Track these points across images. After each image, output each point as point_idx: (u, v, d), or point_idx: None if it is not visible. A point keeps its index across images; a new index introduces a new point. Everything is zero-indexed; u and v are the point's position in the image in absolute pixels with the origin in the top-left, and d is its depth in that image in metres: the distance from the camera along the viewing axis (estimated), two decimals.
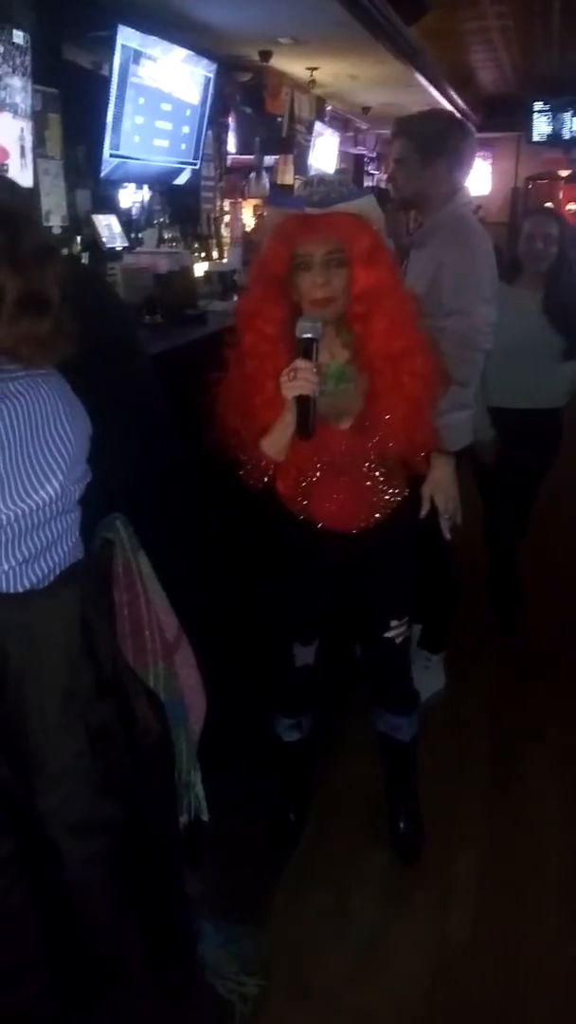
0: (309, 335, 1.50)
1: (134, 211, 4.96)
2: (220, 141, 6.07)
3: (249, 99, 6.26)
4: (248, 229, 5.79)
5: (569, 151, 10.41)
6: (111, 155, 4.33)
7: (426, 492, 1.79)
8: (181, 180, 5.33)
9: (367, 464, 1.68)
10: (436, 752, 2.28)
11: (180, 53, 4.75)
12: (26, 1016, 1.31)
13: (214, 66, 5.20)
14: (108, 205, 4.58)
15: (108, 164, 4.34)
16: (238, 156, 6.37)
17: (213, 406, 1.61)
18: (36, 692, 1.16)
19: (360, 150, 10.05)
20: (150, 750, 1.31)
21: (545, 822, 2.13)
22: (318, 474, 1.69)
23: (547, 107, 10.04)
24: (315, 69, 6.40)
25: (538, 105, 10.02)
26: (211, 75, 5.21)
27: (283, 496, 1.73)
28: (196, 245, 5.39)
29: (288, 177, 7.16)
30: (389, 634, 1.84)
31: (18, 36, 3.49)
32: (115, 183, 4.67)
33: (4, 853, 1.20)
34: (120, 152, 4.41)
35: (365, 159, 10.23)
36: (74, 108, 4.09)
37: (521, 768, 2.34)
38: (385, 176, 8.83)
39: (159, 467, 1.56)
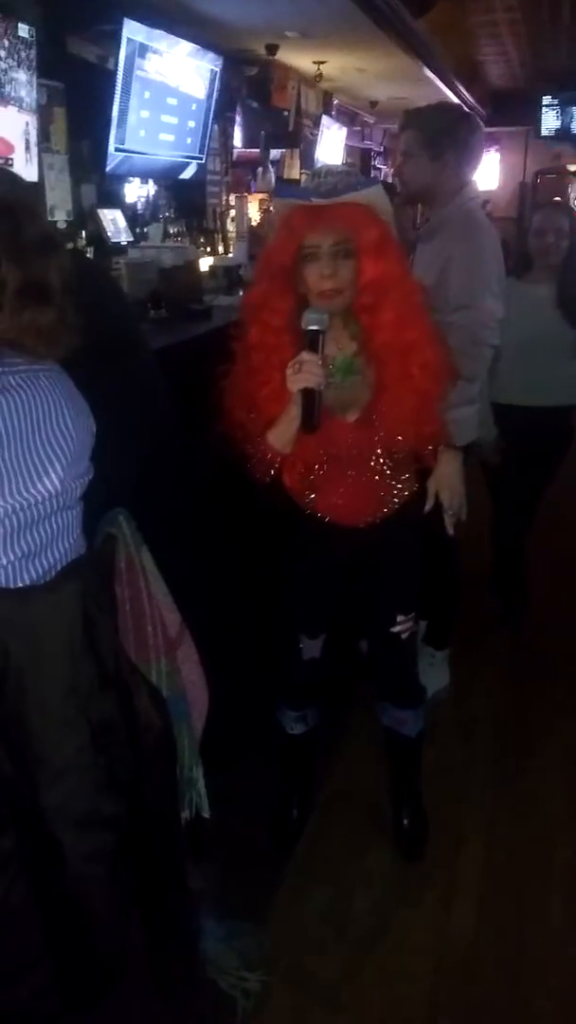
0: (315, 327, 1.49)
1: (139, 205, 4.95)
2: (226, 135, 6.05)
3: (255, 93, 6.23)
4: (254, 223, 5.77)
5: None
6: (116, 149, 4.32)
7: (431, 487, 1.78)
8: (187, 174, 5.32)
9: (374, 458, 1.67)
10: (440, 748, 2.27)
11: (186, 47, 4.74)
12: (28, 1013, 1.31)
13: (220, 60, 5.18)
14: (113, 199, 4.57)
15: (113, 158, 4.33)
16: (244, 150, 6.35)
17: (220, 399, 1.60)
18: (38, 687, 1.15)
19: (367, 144, 10.01)
20: (152, 746, 1.30)
21: (550, 820, 2.12)
22: (324, 467, 1.68)
23: (555, 101, 9.98)
24: (322, 63, 6.38)
25: (547, 99, 9.95)
26: (217, 69, 5.19)
27: (290, 489, 1.73)
28: (201, 239, 5.38)
29: (294, 171, 7.14)
30: (396, 629, 1.83)
31: (23, 29, 3.48)
32: (120, 177, 4.66)
33: (6, 849, 1.20)
34: (125, 146, 4.40)
35: (372, 153, 10.19)
36: (79, 102, 4.08)
37: (526, 765, 2.33)
38: (391, 170, 8.80)
39: (163, 463, 1.55)
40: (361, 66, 6.49)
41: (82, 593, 1.17)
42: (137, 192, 4.94)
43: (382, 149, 10.65)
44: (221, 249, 5.57)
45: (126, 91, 4.26)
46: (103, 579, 1.26)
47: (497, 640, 2.97)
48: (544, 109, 10.03)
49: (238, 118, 6.15)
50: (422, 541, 1.83)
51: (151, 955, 1.44)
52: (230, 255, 5.35)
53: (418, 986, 1.68)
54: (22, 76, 3.52)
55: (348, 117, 8.90)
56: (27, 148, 3.63)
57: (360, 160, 9.60)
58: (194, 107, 5.11)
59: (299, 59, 6.21)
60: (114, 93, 4.18)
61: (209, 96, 5.22)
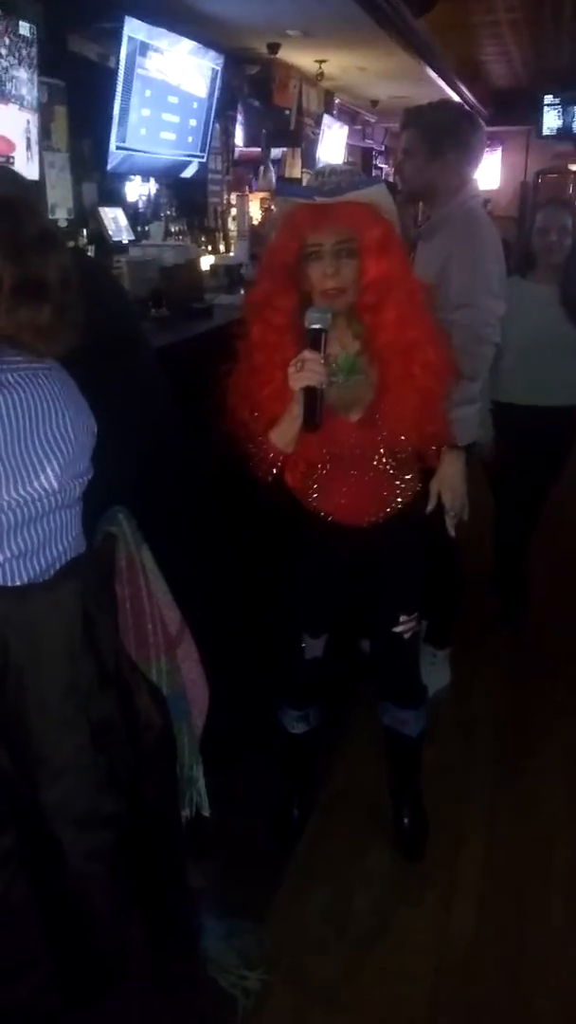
0: (318, 326, 1.49)
1: (140, 204, 4.94)
2: (227, 134, 6.05)
3: (257, 92, 6.23)
4: (255, 222, 5.77)
5: None
6: (117, 148, 4.32)
7: (434, 488, 1.78)
8: (188, 173, 5.31)
9: (377, 457, 1.67)
10: (441, 748, 2.27)
11: (187, 45, 4.73)
12: (28, 1011, 1.31)
13: (221, 58, 5.18)
14: (114, 198, 4.57)
15: (114, 157, 4.33)
16: (245, 149, 6.35)
17: (222, 398, 1.60)
18: (37, 686, 1.15)
19: (368, 143, 10.01)
20: (152, 744, 1.30)
21: (550, 819, 2.12)
22: (327, 467, 1.68)
23: (557, 100, 9.98)
24: (323, 62, 6.37)
25: (548, 98, 9.95)
26: (218, 67, 5.19)
27: (292, 489, 1.72)
28: (203, 238, 5.37)
29: (296, 170, 7.13)
30: (398, 629, 1.83)
31: (24, 27, 3.47)
32: (121, 176, 4.66)
33: (5, 847, 1.20)
34: (126, 145, 4.39)
35: (373, 152, 10.19)
36: (80, 100, 4.08)
37: (526, 765, 2.32)
38: (392, 169, 8.79)
39: (163, 461, 1.55)
40: (362, 65, 6.48)
41: (82, 592, 1.16)
42: (138, 191, 4.94)
43: (383, 148, 10.64)
44: (222, 248, 5.57)
45: (127, 89, 4.26)
46: (103, 578, 1.26)
47: (498, 640, 2.96)
48: (546, 108, 10.03)
49: (239, 117, 6.15)
50: (425, 541, 1.83)
51: (151, 953, 1.44)
52: (231, 254, 5.35)
53: (418, 986, 1.68)
54: (23, 74, 3.52)
55: (349, 116, 8.89)
56: (28, 146, 3.62)
57: (361, 159, 9.60)
58: (195, 106, 5.11)
59: (300, 58, 6.21)
60: (115, 91, 4.18)
61: (210, 95, 5.21)
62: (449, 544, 2.04)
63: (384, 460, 1.67)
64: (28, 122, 3.60)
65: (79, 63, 4.12)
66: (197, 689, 1.46)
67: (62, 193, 4.06)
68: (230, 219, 5.94)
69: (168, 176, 5.20)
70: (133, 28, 4.14)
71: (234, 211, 5.94)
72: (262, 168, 6.48)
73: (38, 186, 3.75)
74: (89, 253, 3.88)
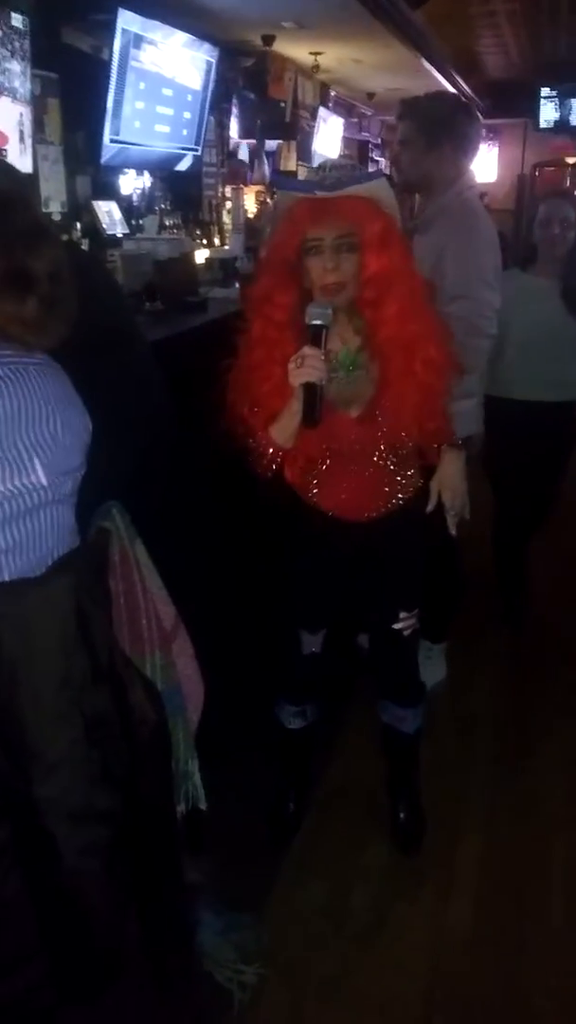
0: (319, 322, 1.47)
1: (135, 197, 4.92)
2: (222, 127, 6.02)
3: (252, 84, 6.20)
4: (250, 215, 5.75)
5: None
6: (111, 141, 4.30)
7: (434, 486, 1.77)
8: (182, 166, 5.29)
9: (377, 453, 1.66)
10: (439, 744, 2.27)
11: (181, 37, 4.71)
12: (24, 1006, 1.31)
13: (216, 51, 5.15)
14: (108, 191, 4.55)
15: (108, 150, 4.31)
16: (241, 141, 6.32)
17: (221, 393, 1.59)
18: (31, 680, 1.15)
19: (364, 136, 9.97)
20: (147, 739, 1.30)
21: (549, 818, 2.12)
22: (327, 462, 1.67)
23: (554, 93, 9.93)
24: (319, 54, 6.34)
25: (545, 91, 9.90)
26: (213, 60, 5.16)
27: (292, 484, 1.72)
28: (197, 232, 5.35)
29: (291, 163, 7.11)
30: (398, 626, 1.82)
31: (17, 19, 3.46)
32: (115, 169, 4.64)
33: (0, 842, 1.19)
34: (120, 138, 4.37)
35: (369, 145, 10.15)
36: (74, 93, 4.06)
37: (526, 763, 2.32)
38: (389, 162, 8.76)
39: (158, 455, 1.55)
40: (358, 57, 6.45)
41: (75, 586, 1.16)
42: (132, 184, 4.92)
43: (379, 141, 10.60)
44: (217, 241, 5.56)
45: (121, 82, 4.24)
46: (96, 572, 1.26)
47: (498, 638, 2.96)
48: (543, 101, 9.98)
49: (234, 109, 6.12)
50: (425, 538, 1.82)
51: (147, 948, 1.44)
52: (226, 247, 5.33)
53: (415, 982, 1.68)
54: (16, 66, 3.50)
55: (345, 109, 8.86)
56: (21, 139, 3.60)
57: (357, 152, 9.56)
58: (190, 98, 5.09)
59: (296, 50, 6.18)
60: (109, 84, 4.16)
61: (205, 87, 5.19)
62: (449, 540, 2.04)
63: (384, 456, 1.67)
64: (21, 115, 3.58)
65: (72, 55, 4.10)
66: (192, 684, 1.46)
67: (55, 186, 4.05)
68: (225, 212, 5.92)
69: (162, 169, 5.18)
70: (127, 20, 4.12)
71: (229, 204, 5.92)
72: (255, 159, 6.45)
73: (31, 179, 3.74)
74: (83, 247, 3.86)
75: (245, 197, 5.89)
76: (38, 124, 3.81)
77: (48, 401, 1.10)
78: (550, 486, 2.95)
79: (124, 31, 4.13)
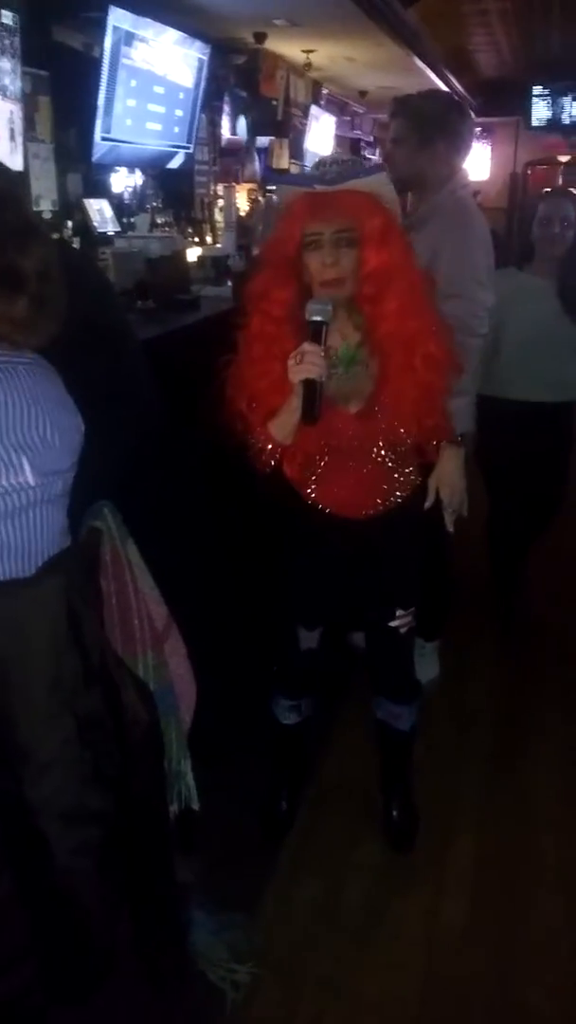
0: (318, 318, 1.47)
1: (126, 195, 4.91)
2: (214, 124, 6.01)
3: (243, 82, 6.19)
4: (242, 213, 5.74)
5: (569, 136, 10.32)
6: (103, 138, 4.28)
7: (432, 483, 1.77)
8: (174, 164, 5.28)
9: (376, 450, 1.66)
10: (433, 742, 2.27)
11: (173, 35, 4.69)
12: (16, 1006, 1.31)
13: (208, 48, 5.14)
14: (100, 189, 4.54)
15: (100, 148, 4.30)
16: (233, 138, 6.31)
17: (220, 389, 1.59)
18: (22, 681, 1.14)
19: (356, 134, 9.96)
20: (139, 739, 1.30)
21: (542, 815, 2.12)
22: (326, 459, 1.67)
23: (546, 91, 9.94)
24: (311, 52, 6.33)
25: (537, 89, 9.91)
26: (205, 57, 5.15)
27: (291, 480, 1.71)
28: (189, 229, 5.34)
29: (283, 161, 7.09)
30: (394, 623, 1.82)
31: (7, 16, 3.44)
32: (107, 167, 4.63)
33: None
34: (112, 135, 4.36)
35: (362, 143, 10.14)
36: (65, 91, 4.04)
37: (519, 759, 2.33)
38: (381, 160, 8.75)
39: (149, 454, 1.54)
40: (350, 55, 6.45)
41: (66, 587, 1.15)
42: (124, 182, 4.91)
43: (372, 139, 10.60)
44: (209, 239, 5.55)
45: (112, 80, 4.22)
46: (87, 573, 1.25)
47: (493, 636, 2.96)
48: (535, 99, 9.99)
49: (226, 107, 6.11)
50: (424, 536, 1.82)
51: (140, 948, 1.43)
52: (218, 245, 5.32)
53: (409, 980, 1.68)
54: (6, 64, 3.48)
55: (337, 107, 8.85)
56: (12, 137, 3.59)
57: (349, 150, 9.55)
58: (181, 96, 5.07)
59: (288, 48, 6.17)
60: (100, 81, 4.14)
61: (197, 85, 5.18)
62: (442, 537, 2.04)
63: (383, 453, 1.66)
64: (12, 112, 3.57)
65: (63, 53, 4.09)
66: (185, 684, 1.46)
67: (47, 184, 4.03)
68: (217, 210, 5.91)
69: (154, 167, 5.17)
70: (117, 18, 4.10)
71: (221, 202, 5.91)
72: (245, 155, 6.44)
73: (22, 177, 3.72)
74: (74, 245, 3.85)
75: (237, 195, 5.88)
76: (29, 122, 3.79)
77: (37, 401, 1.10)
78: (552, 487, 2.92)
79: (115, 28, 4.11)
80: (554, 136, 10.40)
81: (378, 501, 1.72)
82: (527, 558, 3.07)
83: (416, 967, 1.71)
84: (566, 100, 9.95)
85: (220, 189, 6.01)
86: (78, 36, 4.22)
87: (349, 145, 9.55)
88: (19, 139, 3.64)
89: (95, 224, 4.16)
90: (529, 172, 10.76)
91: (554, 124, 10.13)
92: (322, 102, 8.10)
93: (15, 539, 1.09)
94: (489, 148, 11.12)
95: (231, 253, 4.62)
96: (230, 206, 5.55)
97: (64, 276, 1.12)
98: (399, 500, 1.73)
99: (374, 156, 10.30)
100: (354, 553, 1.78)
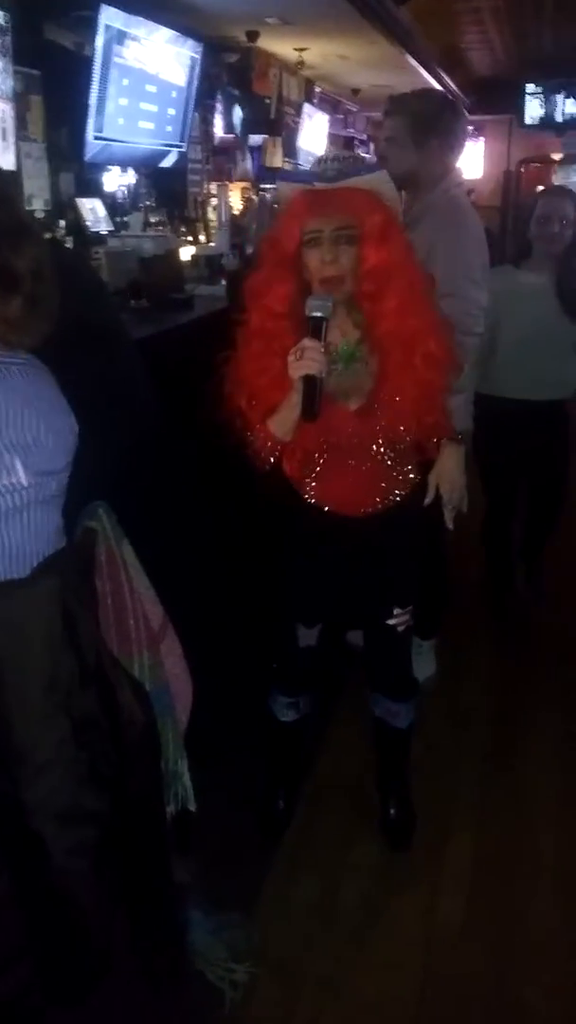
0: (318, 314, 1.47)
1: (119, 194, 4.90)
2: (207, 123, 6.00)
3: (236, 80, 6.18)
4: (235, 212, 5.73)
5: (562, 134, 10.34)
6: (95, 138, 4.28)
7: (432, 480, 1.77)
8: (167, 163, 5.27)
9: (375, 447, 1.66)
10: (429, 740, 2.27)
11: (165, 34, 4.69)
12: (13, 1007, 1.30)
13: (200, 47, 5.13)
14: (92, 188, 4.53)
15: (92, 147, 4.29)
16: (226, 136, 6.31)
17: (219, 385, 1.58)
18: (17, 682, 1.14)
19: (350, 132, 9.97)
20: (135, 740, 1.29)
21: (539, 813, 2.12)
22: (325, 456, 1.67)
23: (539, 89, 9.94)
24: (304, 50, 6.34)
25: (530, 87, 9.91)
26: (197, 56, 5.14)
27: (290, 478, 1.71)
28: (183, 228, 5.34)
29: (276, 159, 7.09)
30: (392, 621, 1.82)
31: None
32: (99, 166, 4.62)
33: None
34: (104, 135, 4.35)
35: (355, 142, 10.15)
36: (57, 90, 4.03)
37: (516, 757, 2.33)
38: (375, 158, 8.75)
39: (144, 454, 1.54)
40: (343, 53, 6.45)
41: (61, 588, 1.15)
42: (117, 181, 4.90)
43: (365, 137, 10.60)
44: (203, 238, 5.54)
45: (104, 78, 4.22)
46: (83, 573, 1.25)
47: (489, 635, 2.96)
48: (528, 97, 9.99)
49: (219, 105, 6.10)
50: (423, 535, 1.82)
51: (137, 948, 1.43)
52: (212, 244, 5.31)
53: (407, 979, 1.68)
54: None
55: (330, 105, 8.85)
56: (3, 136, 3.58)
57: (343, 148, 9.55)
58: (174, 94, 5.07)
59: (280, 46, 6.17)
60: (92, 80, 4.13)
61: (189, 83, 5.17)
62: (439, 535, 2.04)
63: (383, 450, 1.66)
64: (3, 112, 3.56)
65: (55, 52, 4.08)
66: (181, 684, 1.46)
67: (39, 183, 4.02)
68: (210, 209, 5.90)
69: (147, 166, 5.17)
70: (109, 16, 4.10)
71: (214, 201, 5.90)
72: (238, 153, 6.43)
73: (14, 176, 3.71)
74: (67, 244, 3.84)
75: (230, 194, 5.88)
76: (21, 121, 3.79)
77: (30, 402, 1.10)
78: (552, 485, 2.92)
79: (107, 27, 4.10)
80: (547, 134, 10.41)
81: (377, 499, 1.71)
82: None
83: (414, 966, 1.71)
84: (559, 98, 9.95)
85: (213, 188, 6.00)
86: (69, 35, 4.21)
87: (343, 143, 9.55)
88: (11, 138, 3.63)
89: (88, 223, 4.15)
90: (523, 170, 10.77)
91: (547, 122, 10.13)
92: (315, 100, 8.10)
93: (9, 540, 1.09)
94: (482, 146, 11.13)
95: (225, 252, 4.61)
96: (223, 205, 5.54)
97: (57, 276, 1.12)
98: (398, 498, 1.73)
99: (368, 155, 10.31)
100: (353, 551, 1.78)
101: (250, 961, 1.65)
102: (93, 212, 4.26)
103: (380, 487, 1.70)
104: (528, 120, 10.17)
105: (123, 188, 4.97)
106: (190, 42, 5.02)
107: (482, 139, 10.98)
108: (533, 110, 10.10)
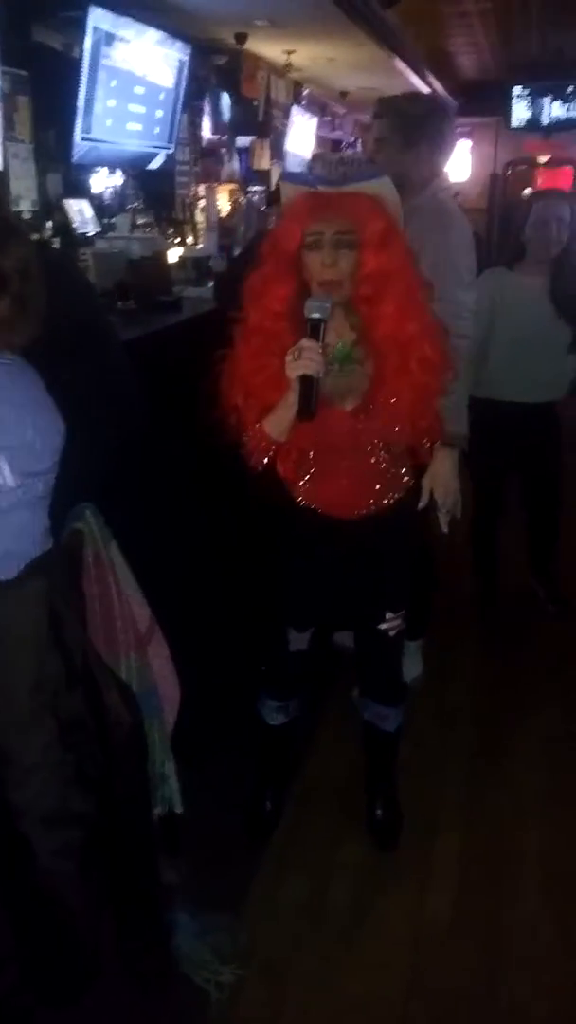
0: (317, 315, 1.47)
1: (107, 196, 4.89)
2: (195, 125, 6.00)
3: (224, 82, 6.18)
4: (223, 214, 5.73)
5: (548, 136, 10.40)
6: (83, 139, 4.26)
7: (426, 484, 1.77)
8: (155, 164, 5.26)
9: (370, 449, 1.66)
10: (417, 739, 2.28)
11: (154, 35, 4.68)
12: (3, 1007, 1.30)
13: (189, 49, 5.13)
14: (80, 189, 4.52)
15: (80, 148, 4.27)
16: (214, 138, 6.30)
17: (214, 382, 1.59)
18: (4, 683, 1.14)
19: (337, 135, 9.98)
20: (122, 742, 1.30)
21: (525, 810, 2.13)
22: (319, 456, 1.67)
23: (526, 92, 10.00)
24: (292, 52, 6.34)
25: (517, 90, 9.97)
26: (186, 58, 5.14)
27: (284, 479, 1.71)
28: (171, 230, 5.33)
29: (264, 161, 7.09)
30: (384, 626, 1.82)
31: None
32: (87, 167, 4.61)
33: None
34: (92, 136, 4.34)
35: (343, 144, 10.16)
36: (44, 91, 4.02)
37: (502, 755, 2.34)
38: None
39: (132, 455, 1.54)
40: (331, 56, 6.46)
41: (48, 589, 1.15)
42: (105, 182, 4.89)
43: (352, 140, 10.61)
44: (190, 240, 5.53)
45: (92, 80, 4.21)
46: (70, 575, 1.25)
47: (476, 636, 2.97)
48: (515, 100, 10.05)
49: (207, 107, 6.10)
50: (416, 539, 1.82)
51: (124, 950, 1.43)
52: (200, 246, 5.32)
53: (395, 978, 1.69)
54: None
55: (318, 107, 8.86)
56: None
57: (331, 151, 9.57)
58: (162, 96, 5.06)
59: (268, 48, 6.17)
60: (80, 82, 4.12)
61: (177, 85, 5.16)
62: (428, 537, 2.05)
63: (377, 452, 1.67)
64: None
65: (43, 53, 4.07)
66: (168, 685, 1.46)
67: (26, 184, 4.01)
68: (198, 210, 5.90)
69: (135, 167, 5.16)
70: (98, 18, 4.09)
71: (202, 202, 5.90)
72: (225, 153, 6.43)
73: (2, 177, 3.70)
74: (54, 245, 3.83)
75: (218, 195, 5.88)
76: (8, 122, 3.77)
77: (16, 402, 1.10)
78: (547, 488, 2.93)
79: (95, 29, 4.09)
80: (534, 137, 10.47)
81: (371, 502, 1.72)
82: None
83: (401, 966, 1.71)
84: (545, 101, 10.02)
85: (201, 189, 6.00)
86: (58, 36, 4.20)
87: (330, 146, 9.57)
88: None
89: (75, 225, 4.14)
90: (509, 172, 10.82)
91: (534, 124, 10.19)
92: (303, 102, 8.10)
93: None
94: (469, 147, 11.17)
95: (213, 254, 4.61)
96: (211, 206, 5.54)
97: (43, 276, 1.12)
98: (392, 501, 1.73)
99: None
100: (346, 554, 1.79)
101: (237, 963, 1.65)
102: (81, 213, 4.24)
103: (374, 489, 1.71)
104: (515, 123, 10.23)
105: (111, 189, 4.96)
106: (178, 44, 5.01)
107: (469, 141, 11.02)
108: (520, 113, 10.15)
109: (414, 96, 2.42)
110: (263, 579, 1.89)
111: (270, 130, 7.11)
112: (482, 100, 10.03)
